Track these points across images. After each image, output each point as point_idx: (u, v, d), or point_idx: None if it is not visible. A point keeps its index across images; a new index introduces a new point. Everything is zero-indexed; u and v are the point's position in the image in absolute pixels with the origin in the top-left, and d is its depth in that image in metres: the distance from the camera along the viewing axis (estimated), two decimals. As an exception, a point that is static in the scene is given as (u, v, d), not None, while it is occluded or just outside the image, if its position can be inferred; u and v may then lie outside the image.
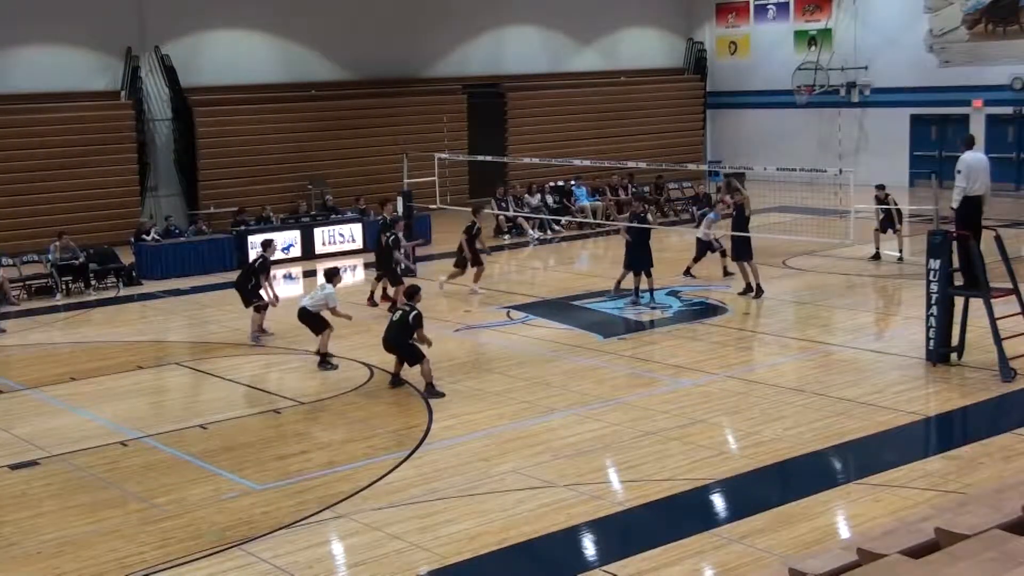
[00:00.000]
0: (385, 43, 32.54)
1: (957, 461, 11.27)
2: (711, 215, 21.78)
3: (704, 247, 21.37)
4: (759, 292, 19.42)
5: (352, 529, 10.08)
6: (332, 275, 16.39)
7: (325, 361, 15.84)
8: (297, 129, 30.70)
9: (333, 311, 15.92)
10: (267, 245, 18.68)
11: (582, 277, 21.95)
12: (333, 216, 27.20)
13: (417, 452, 12.09)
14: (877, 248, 22.68)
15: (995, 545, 6.08)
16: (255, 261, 18.39)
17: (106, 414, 14.03)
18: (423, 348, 14.57)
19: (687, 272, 21.36)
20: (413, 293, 15.01)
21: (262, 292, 17.85)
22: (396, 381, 14.78)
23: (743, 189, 20.38)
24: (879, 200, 22.92)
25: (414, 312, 14.58)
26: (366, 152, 31.56)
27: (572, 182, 30.99)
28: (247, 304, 17.89)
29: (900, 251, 22.59)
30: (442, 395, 14.14)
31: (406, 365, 14.70)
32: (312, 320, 15.99)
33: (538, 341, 17.07)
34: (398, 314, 14.79)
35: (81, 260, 22.76)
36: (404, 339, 14.58)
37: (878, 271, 21.74)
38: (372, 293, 20.29)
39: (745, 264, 19.63)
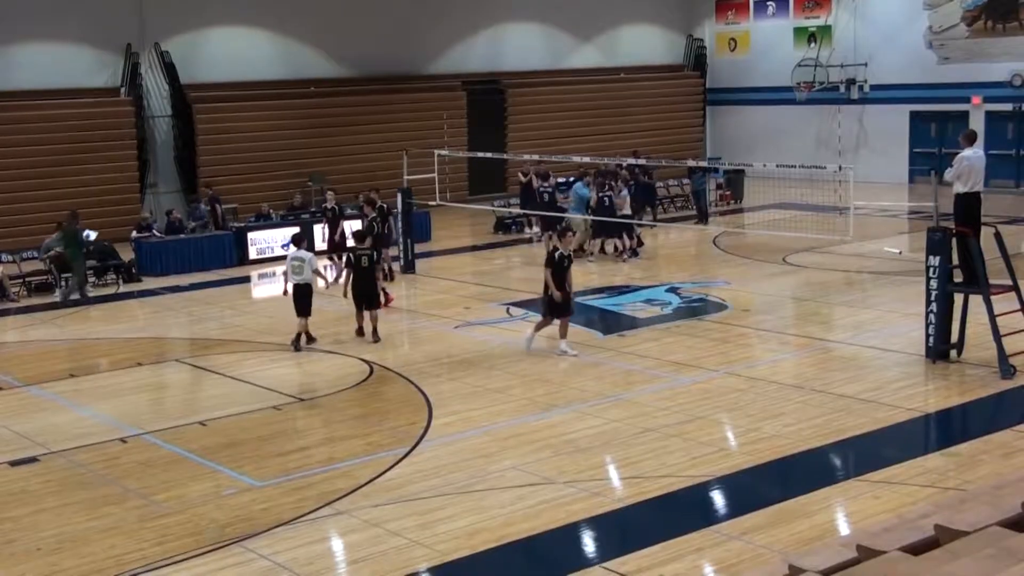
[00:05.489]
0: (385, 40, 32.52)
1: (957, 458, 11.27)
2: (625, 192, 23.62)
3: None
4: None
5: (351, 526, 10.08)
6: (301, 239, 17.19)
7: (301, 340, 16.51)
8: (297, 126, 30.70)
9: (317, 272, 16.75)
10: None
11: (582, 275, 21.91)
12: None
13: (416, 449, 12.08)
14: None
15: (994, 542, 6.08)
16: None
17: (106, 411, 14.03)
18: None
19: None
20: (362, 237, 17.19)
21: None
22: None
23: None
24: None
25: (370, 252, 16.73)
26: (366, 149, 31.53)
27: (572, 178, 30.73)
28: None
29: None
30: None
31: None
32: (307, 298, 16.54)
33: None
34: (363, 259, 16.63)
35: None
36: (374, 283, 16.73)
37: (879, 268, 21.73)
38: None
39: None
